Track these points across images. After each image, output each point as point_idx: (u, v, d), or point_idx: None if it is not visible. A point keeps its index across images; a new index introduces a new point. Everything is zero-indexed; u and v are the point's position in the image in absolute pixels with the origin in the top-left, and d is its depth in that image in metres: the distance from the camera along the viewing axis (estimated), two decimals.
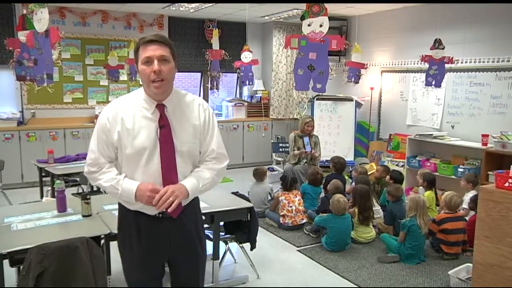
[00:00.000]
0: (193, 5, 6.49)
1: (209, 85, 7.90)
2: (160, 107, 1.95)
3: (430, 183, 4.91)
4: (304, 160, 5.77)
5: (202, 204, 2.33)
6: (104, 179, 1.98)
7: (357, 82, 6.27)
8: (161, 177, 1.94)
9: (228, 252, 3.83)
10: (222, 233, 3.64)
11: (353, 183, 5.31)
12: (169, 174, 1.95)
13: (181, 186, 1.94)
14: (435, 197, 4.87)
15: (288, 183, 4.90)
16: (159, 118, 1.94)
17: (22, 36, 4.73)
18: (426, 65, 5.63)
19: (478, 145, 5.31)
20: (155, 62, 1.86)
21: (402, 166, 6.22)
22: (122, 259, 2.15)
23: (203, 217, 2.40)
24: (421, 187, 5.05)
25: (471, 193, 4.64)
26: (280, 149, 7.38)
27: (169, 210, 1.88)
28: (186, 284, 2.18)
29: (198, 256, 2.16)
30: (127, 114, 1.95)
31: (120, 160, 2.00)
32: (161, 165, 1.93)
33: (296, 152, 5.80)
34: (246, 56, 6.62)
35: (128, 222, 2.05)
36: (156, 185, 1.91)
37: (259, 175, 5.25)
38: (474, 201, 4.27)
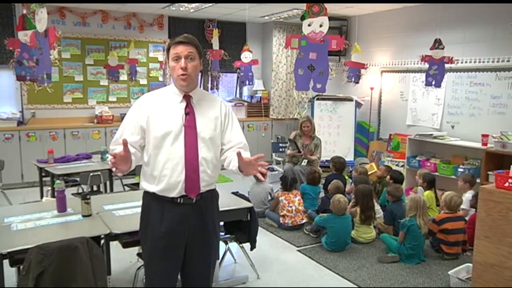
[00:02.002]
0: (193, 5, 6.49)
1: (209, 85, 7.91)
2: (187, 97, 2.21)
3: (430, 183, 4.91)
4: (306, 161, 5.79)
5: None
6: (113, 149, 2.16)
7: (357, 82, 6.27)
8: (183, 159, 2.13)
9: (228, 252, 3.83)
10: (222, 233, 3.63)
11: (353, 183, 5.31)
12: (191, 156, 2.14)
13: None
14: (434, 196, 4.87)
15: (288, 183, 4.90)
16: (185, 106, 2.19)
17: (22, 36, 4.73)
18: (426, 65, 5.62)
19: (478, 145, 5.31)
20: (182, 59, 2.12)
21: (402, 166, 6.22)
22: (143, 245, 2.29)
23: None
24: (420, 187, 5.05)
25: (469, 193, 4.65)
26: (280, 149, 7.38)
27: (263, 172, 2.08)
28: (197, 274, 2.28)
29: (212, 247, 2.29)
30: (158, 101, 2.21)
31: (147, 143, 2.19)
32: (184, 147, 2.14)
33: (289, 151, 5.90)
34: (246, 56, 6.62)
35: (152, 207, 2.21)
36: (121, 152, 2.00)
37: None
38: (475, 196, 4.30)
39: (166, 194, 2.16)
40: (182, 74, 2.12)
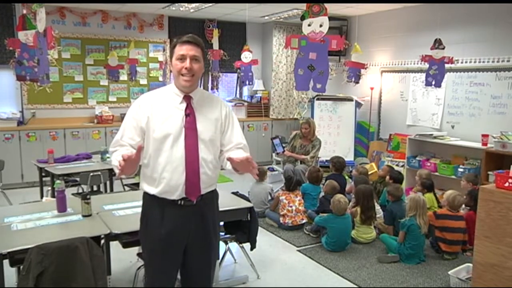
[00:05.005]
0: (193, 5, 6.49)
1: (209, 85, 7.91)
2: (187, 98, 2.18)
3: (428, 188, 4.87)
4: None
5: None
6: (116, 154, 2.13)
7: (357, 82, 6.26)
8: (184, 162, 2.11)
9: (228, 252, 3.83)
10: (222, 233, 3.63)
11: (353, 183, 5.31)
12: (192, 158, 2.12)
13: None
14: (435, 198, 4.85)
15: (292, 183, 4.89)
16: (186, 107, 2.16)
17: (22, 36, 4.72)
18: (426, 65, 5.62)
19: (478, 145, 5.31)
20: (188, 60, 2.11)
21: (402, 166, 6.22)
22: (144, 245, 2.31)
23: None
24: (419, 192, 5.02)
25: None
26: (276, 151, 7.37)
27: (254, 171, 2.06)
28: (197, 274, 2.29)
29: (212, 247, 2.29)
30: (157, 102, 2.18)
31: (146, 145, 2.16)
32: (185, 150, 2.11)
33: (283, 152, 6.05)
34: (246, 56, 6.62)
35: (153, 209, 2.20)
36: (127, 154, 1.97)
37: (259, 175, 5.24)
38: (468, 195, 4.31)
39: (167, 196, 2.15)
40: (187, 75, 2.11)
